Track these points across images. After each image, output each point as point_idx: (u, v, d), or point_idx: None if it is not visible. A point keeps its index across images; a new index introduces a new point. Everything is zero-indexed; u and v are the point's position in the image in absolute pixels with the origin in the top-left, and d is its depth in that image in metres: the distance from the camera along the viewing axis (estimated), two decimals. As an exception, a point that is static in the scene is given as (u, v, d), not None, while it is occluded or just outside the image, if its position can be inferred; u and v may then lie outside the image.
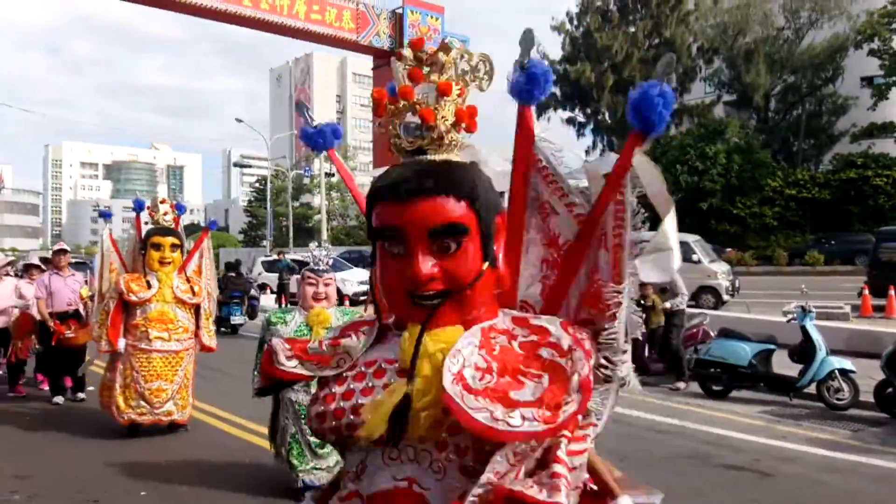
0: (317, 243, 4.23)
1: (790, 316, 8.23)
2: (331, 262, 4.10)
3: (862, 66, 38.58)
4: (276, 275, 20.05)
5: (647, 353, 8.73)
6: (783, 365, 8.02)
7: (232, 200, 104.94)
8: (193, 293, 6.57)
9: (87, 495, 4.92)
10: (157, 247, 6.45)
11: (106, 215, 7.65)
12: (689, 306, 15.84)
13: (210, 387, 8.25)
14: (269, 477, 5.17)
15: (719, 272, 17.19)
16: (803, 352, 7.67)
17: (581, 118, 44.77)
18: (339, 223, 60.57)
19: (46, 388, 8.30)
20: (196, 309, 6.63)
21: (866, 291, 15.20)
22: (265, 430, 6.25)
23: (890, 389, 7.00)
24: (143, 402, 6.25)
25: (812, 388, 7.60)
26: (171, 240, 6.55)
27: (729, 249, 31.58)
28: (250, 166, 69.65)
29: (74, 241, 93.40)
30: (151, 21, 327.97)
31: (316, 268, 4.07)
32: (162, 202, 6.80)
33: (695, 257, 17.19)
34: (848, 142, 37.64)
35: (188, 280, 6.62)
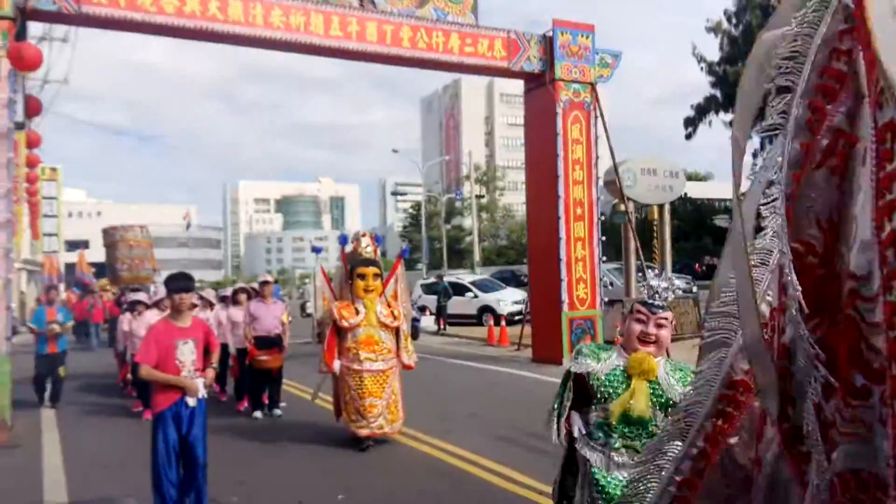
0: (656, 270, 3.68)
1: None
2: (670, 297, 3.32)
3: None
4: (435, 297, 20.76)
5: None
6: None
7: (388, 227, 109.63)
8: (394, 317, 7.13)
9: (293, 497, 5.49)
10: (362, 276, 7.04)
11: (317, 250, 8.66)
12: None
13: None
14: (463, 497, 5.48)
15: None
16: None
17: (744, 120, 42.35)
18: (491, 243, 61.37)
19: (242, 407, 9.26)
20: (396, 331, 7.17)
21: None
22: (447, 447, 6.66)
23: None
24: (360, 417, 6.82)
25: None
26: (373, 269, 7.14)
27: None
28: (405, 193, 72.58)
29: (252, 270, 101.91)
30: (311, 65, 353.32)
31: (650, 302, 3.26)
32: (363, 235, 7.55)
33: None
34: None
35: (389, 305, 7.20)
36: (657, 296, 3.29)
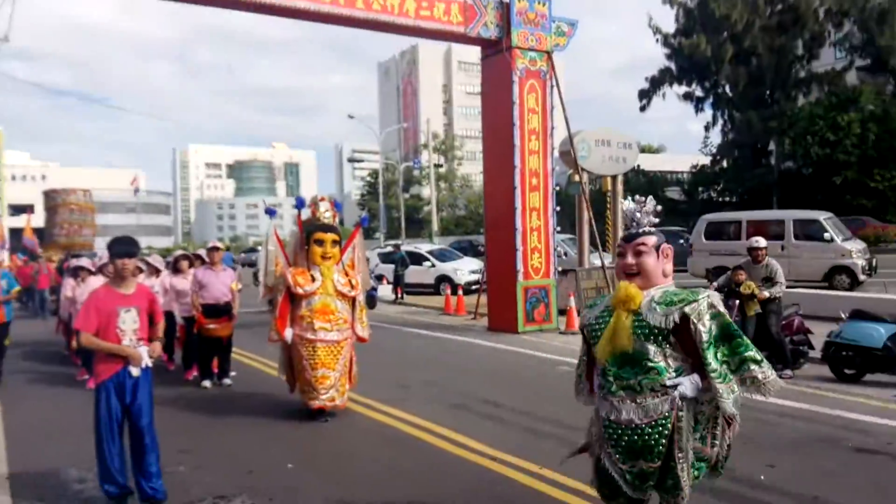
0: (630, 198, 3.25)
1: (933, 295, 7.67)
2: (651, 220, 3.11)
3: None
4: (392, 266, 20.72)
5: None
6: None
7: (345, 195, 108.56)
8: (352, 286, 6.88)
9: (241, 467, 5.43)
10: (320, 242, 6.75)
11: (271, 213, 8.08)
12: (822, 288, 15.11)
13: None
14: (411, 461, 5.49)
15: (854, 251, 16.13)
16: (947, 333, 7.15)
17: (699, 92, 42.82)
18: (449, 213, 61.42)
19: (191, 376, 9.10)
20: (352, 301, 6.93)
21: None
22: (401, 414, 6.66)
23: None
24: (311, 389, 6.60)
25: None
26: (332, 236, 6.85)
27: (866, 225, 29.38)
28: (362, 161, 71.80)
29: (203, 237, 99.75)
30: (267, 27, 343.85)
31: (626, 232, 3.13)
32: (322, 200, 7.16)
33: (826, 235, 16.24)
34: None
35: (346, 274, 6.93)
36: (634, 224, 3.10)
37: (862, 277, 15.81)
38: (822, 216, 17.05)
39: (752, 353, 2.93)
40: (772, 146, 39.72)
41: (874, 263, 16.57)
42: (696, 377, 2.91)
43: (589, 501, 4.45)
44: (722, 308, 2.96)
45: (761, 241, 8.51)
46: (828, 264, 16.06)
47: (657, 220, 3.14)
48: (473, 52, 13.32)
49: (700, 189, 44.13)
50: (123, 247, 4.66)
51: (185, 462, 5.48)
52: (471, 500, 4.62)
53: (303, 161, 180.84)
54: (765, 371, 2.93)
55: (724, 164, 43.17)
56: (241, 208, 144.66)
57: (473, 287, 18.37)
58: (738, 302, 8.10)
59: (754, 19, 38.03)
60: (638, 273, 2.97)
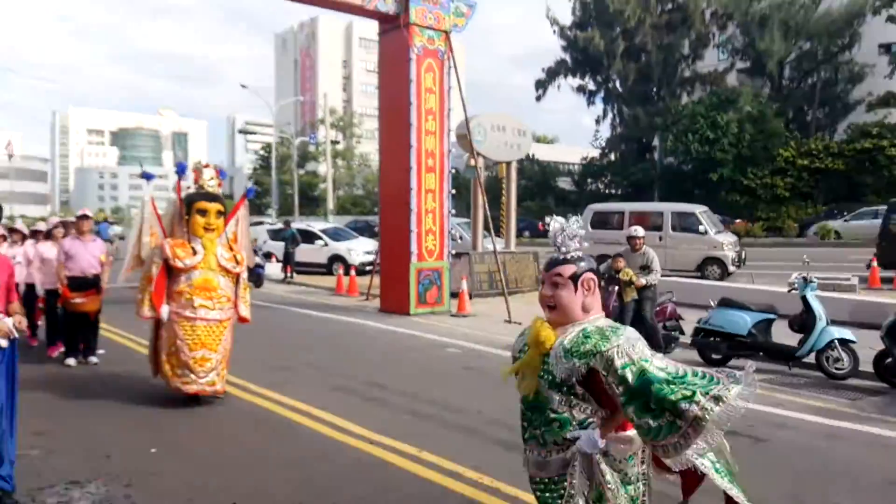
0: (554, 217, 2.74)
1: (791, 286, 8.22)
2: (574, 245, 2.61)
3: (880, 32, 37.98)
4: (282, 244, 20.06)
5: None
6: (783, 335, 8.05)
7: (237, 168, 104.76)
8: (237, 262, 6.44)
9: (100, 451, 5.06)
10: (203, 212, 6.25)
11: (148, 177, 7.31)
12: (695, 278, 15.97)
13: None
14: (281, 441, 5.29)
15: (725, 243, 17.14)
16: (803, 322, 7.68)
17: (592, 86, 44.23)
18: (346, 192, 60.55)
19: (54, 353, 8.47)
20: (236, 278, 6.49)
21: (875, 263, 15.14)
22: (280, 398, 6.45)
23: (889, 360, 7.02)
24: (188, 372, 6.10)
25: (811, 358, 7.63)
26: (216, 206, 6.34)
27: (738, 220, 31.45)
28: (255, 133, 69.43)
29: (81, 207, 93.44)
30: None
31: (552, 255, 2.65)
32: (206, 167, 6.64)
33: (701, 228, 17.16)
34: (863, 111, 37.21)
35: (230, 248, 6.47)
36: (556, 248, 2.62)
37: (731, 268, 16.84)
38: (698, 210, 18.00)
39: (676, 393, 2.30)
40: (656, 141, 41.69)
41: (743, 256, 17.69)
42: (594, 433, 2.44)
43: (465, 483, 4.44)
44: (638, 353, 2.40)
45: (639, 231, 8.84)
46: (701, 255, 17.00)
47: (581, 245, 2.64)
48: (375, 29, 13.02)
49: (589, 180, 45.82)
50: None
51: (39, 446, 5.06)
52: (344, 485, 4.50)
53: (193, 131, 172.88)
54: (701, 403, 2.26)
55: (612, 157, 44.96)
56: (125, 178, 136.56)
57: (367, 268, 18.13)
58: (616, 288, 8.40)
59: (646, 16, 39.66)
60: (552, 307, 2.57)
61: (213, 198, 6.40)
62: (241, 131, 63.84)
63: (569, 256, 2.59)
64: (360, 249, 20.60)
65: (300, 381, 7.38)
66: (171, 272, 6.19)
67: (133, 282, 12.03)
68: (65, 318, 8.15)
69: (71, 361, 8.02)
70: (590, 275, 2.58)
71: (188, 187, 6.58)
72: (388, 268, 13.03)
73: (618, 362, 2.36)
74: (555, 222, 2.67)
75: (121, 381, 7.29)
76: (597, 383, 2.44)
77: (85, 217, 8.24)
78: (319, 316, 12.54)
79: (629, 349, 2.41)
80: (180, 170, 6.67)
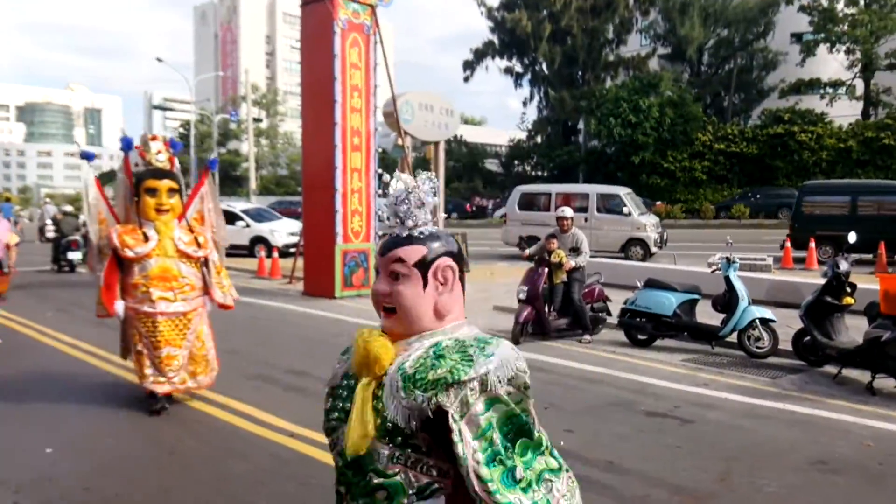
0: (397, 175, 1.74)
1: (714, 267, 8.33)
2: (425, 215, 1.69)
3: (792, 21, 39.56)
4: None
5: (547, 311, 8.40)
6: (707, 315, 8.17)
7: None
8: (198, 245, 5.67)
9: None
10: (153, 192, 5.49)
11: (89, 157, 6.23)
12: (619, 258, 16.24)
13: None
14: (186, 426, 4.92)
15: (648, 225, 17.47)
16: (726, 301, 7.80)
17: (519, 68, 44.39)
18: (270, 171, 59.00)
19: None
20: (204, 262, 5.76)
21: (788, 244, 15.73)
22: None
23: (807, 338, 7.19)
24: (156, 372, 5.46)
25: (734, 337, 7.76)
26: (167, 183, 5.57)
27: (659, 202, 32.31)
28: (173, 109, 66.65)
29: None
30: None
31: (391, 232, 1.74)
32: (153, 139, 5.80)
33: (625, 210, 17.42)
34: (776, 97, 38.75)
35: (191, 230, 5.73)
36: (396, 218, 1.70)
37: (654, 249, 17.20)
38: (622, 192, 18.28)
39: (551, 460, 1.56)
40: (581, 124, 42.33)
41: (665, 237, 18.10)
42: None
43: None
44: (504, 391, 1.51)
45: (567, 212, 8.77)
46: (625, 236, 17.29)
47: (436, 217, 1.81)
48: (298, 2, 12.44)
49: (516, 162, 46.19)
50: None
51: None
52: (261, 484, 4.20)
53: (106, 107, 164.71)
54: (560, 488, 1.54)
55: (539, 139, 45.40)
56: (32, 155, 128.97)
57: (291, 250, 17.59)
58: (547, 270, 8.30)
59: (572, 0, 39.96)
60: (391, 311, 1.69)
61: (162, 174, 5.61)
62: (157, 107, 61.23)
63: (415, 233, 1.67)
64: (284, 230, 19.99)
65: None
66: (122, 264, 5.48)
67: (43, 265, 11.09)
68: None
69: None
70: (446, 261, 1.66)
71: (136, 164, 5.72)
72: (312, 250, 12.60)
73: (483, 396, 1.49)
74: (397, 181, 1.72)
75: (13, 372, 6.70)
76: (450, 430, 1.50)
77: None
78: (240, 300, 12.00)
79: (500, 381, 1.51)
80: (126, 145, 5.74)
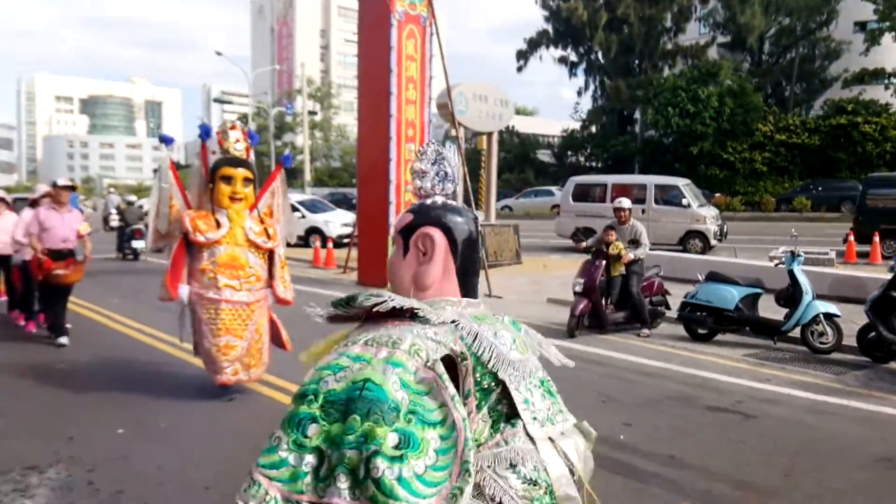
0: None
1: (777, 260, 8.10)
2: (446, 185, 1.56)
3: (856, 10, 37.99)
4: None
5: (604, 304, 8.25)
6: (769, 309, 7.96)
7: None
8: (268, 236, 5.66)
9: (61, 433, 4.79)
10: (228, 180, 5.50)
11: (167, 141, 6.30)
12: (677, 251, 15.94)
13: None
14: (253, 414, 5.07)
15: (708, 217, 17.09)
16: (790, 296, 7.59)
17: (574, 57, 43.84)
18: (323, 164, 59.82)
19: (33, 328, 8.13)
20: (270, 255, 5.74)
21: (851, 238, 15.18)
22: (270, 378, 6.14)
23: (872, 334, 6.96)
24: (212, 360, 5.45)
25: (797, 332, 7.55)
26: (243, 172, 5.58)
27: (717, 194, 31.54)
28: (231, 102, 68.12)
29: (50, 177, 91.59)
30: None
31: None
32: (232, 128, 5.81)
33: (684, 201, 17.08)
34: (839, 87, 37.32)
35: (261, 221, 5.72)
36: (416, 190, 1.57)
37: (714, 242, 16.82)
38: (681, 182, 17.91)
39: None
40: (637, 114, 41.58)
41: (725, 230, 17.67)
42: None
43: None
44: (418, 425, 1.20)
45: (625, 203, 8.63)
46: (684, 228, 16.94)
47: (454, 185, 1.59)
48: (353, -3, 12.56)
49: (569, 153, 45.68)
50: None
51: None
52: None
53: (166, 100, 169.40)
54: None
55: (593, 129, 44.79)
56: (95, 147, 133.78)
57: (345, 240, 17.84)
58: (605, 262, 8.20)
59: (629, -12, 39.23)
60: None
61: (239, 163, 5.61)
62: (216, 100, 62.46)
63: (426, 203, 1.55)
64: (338, 221, 20.29)
65: (276, 355, 7.12)
66: (192, 249, 5.47)
67: (108, 253, 11.57)
68: (43, 291, 7.68)
69: (64, 341, 7.44)
70: (428, 230, 1.51)
71: (213, 152, 5.74)
72: (366, 240, 12.75)
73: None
74: (430, 147, 1.59)
75: (84, 357, 7.00)
76: None
77: (66, 187, 7.74)
78: (295, 289, 12.23)
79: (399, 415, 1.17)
80: (204, 132, 5.78)
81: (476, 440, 1.39)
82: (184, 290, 5.41)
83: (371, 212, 12.50)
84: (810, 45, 40.21)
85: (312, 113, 53.11)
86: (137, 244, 16.70)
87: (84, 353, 7.17)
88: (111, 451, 4.50)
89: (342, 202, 28.16)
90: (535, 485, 1.45)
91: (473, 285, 1.60)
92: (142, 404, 5.49)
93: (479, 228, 1.63)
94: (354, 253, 13.50)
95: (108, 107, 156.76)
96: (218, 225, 5.45)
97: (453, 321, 1.40)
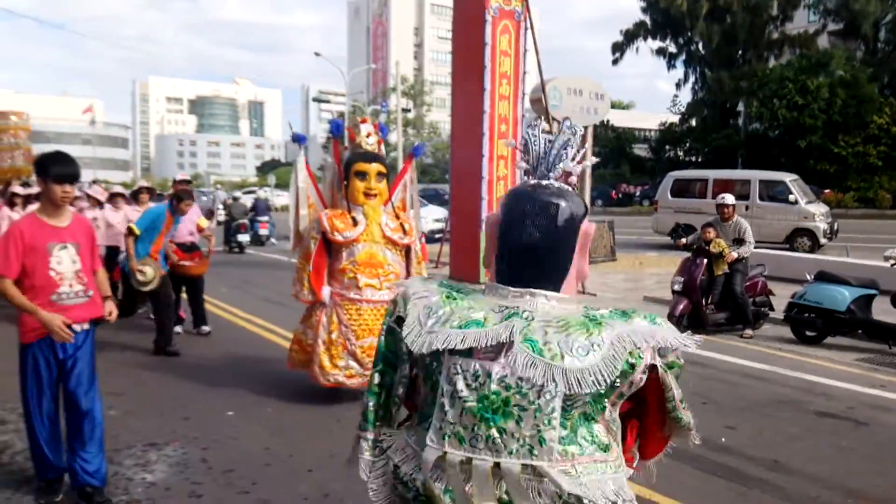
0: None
1: (893, 260, 7.57)
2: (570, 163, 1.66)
3: None
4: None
5: (704, 304, 7.93)
6: (885, 312, 7.47)
7: (311, 136, 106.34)
8: (404, 231, 5.46)
9: (178, 413, 5.12)
10: (362, 175, 5.31)
11: (300, 139, 6.15)
12: (784, 249, 15.19)
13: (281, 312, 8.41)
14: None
15: (817, 214, 16.20)
16: (908, 298, 7.10)
17: (672, 48, 42.43)
18: (416, 160, 60.49)
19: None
20: (406, 251, 5.53)
21: (981, 236, 14.01)
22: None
23: None
24: (352, 362, 5.22)
25: (917, 337, 7.06)
26: (376, 167, 5.37)
27: (827, 190, 29.78)
28: (328, 101, 69.98)
29: (162, 174, 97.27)
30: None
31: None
32: (363, 121, 5.68)
33: (791, 198, 16.28)
34: (967, 74, 34.40)
35: (397, 216, 5.53)
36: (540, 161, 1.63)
37: (823, 241, 15.93)
38: (787, 178, 17.06)
39: None
40: (740, 107, 39.78)
41: (835, 227, 16.70)
42: None
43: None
44: None
45: (729, 199, 8.32)
46: (791, 226, 16.13)
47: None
48: (446, -8, 12.66)
49: (667, 147, 44.25)
50: (66, 168, 3.56)
51: (117, 406, 5.12)
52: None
53: (268, 100, 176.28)
54: None
55: (693, 122, 43.21)
56: (203, 145, 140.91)
57: (437, 236, 18.04)
58: (706, 261, 7.92)
59: (732, -24, 37.57)
60: None
61: (372, 157, 5.42)
62: (314, 100, 64.31)
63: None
64: (431, 217, 20.51)
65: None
66: (330, 249, 5.33)
67: (216, 246, 12.15)
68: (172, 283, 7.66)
69: (179, 329, 7.70)
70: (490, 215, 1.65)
71: (345, 148, 5.64)
72: (458, 236, 12.85)
73: None
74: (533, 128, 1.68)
75: (199, 344, 7.42)
76: None
77: (184, 182, 8.09)
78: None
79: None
80: (335, 129, 5.66)
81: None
82: (326, 292, 5.30)
83: (463, 208, 12.59)
84: (932, 31, 37.21)
85: (406, 110, 53.94)
86: (242, 238, 17.54)
87: (197, 340, 7.61)
88: (223, 432, 4.77)
89: (434, 198, 28.41)
90: (405, 486, 1.53)
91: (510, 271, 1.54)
92: (250, 390, 5.76)
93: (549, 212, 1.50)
94: (447, 248, 13.63)
95: (214, 107, 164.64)
96: (354, 223, 5.29)
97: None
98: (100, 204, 9.02)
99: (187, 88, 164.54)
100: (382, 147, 5.68)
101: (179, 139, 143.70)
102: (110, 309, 3.83)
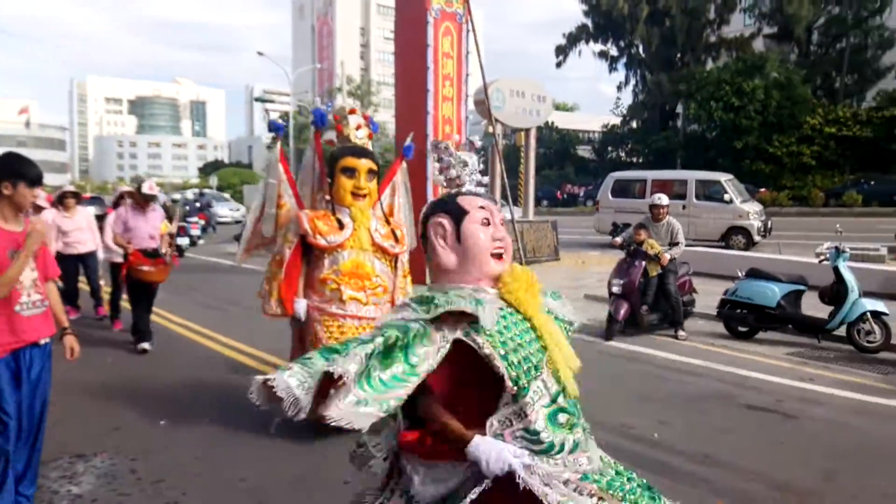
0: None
1: (822, 257, 7.88)
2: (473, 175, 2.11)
3: (912, -4, 36.63)
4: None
5: (641, 306, 7.94)
6: (813, 307, 7.76)
7: (255, 137, 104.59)
8: (396, 239, 4.82)
9: (108, 424, 4.97)
10: (351, 172, 4.61)
11: (278, 128, 5.41)
12: (719, 247, 15.64)
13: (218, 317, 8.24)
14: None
15: (751, 212, 16.73)
16: (834, 293, 7.38)
17: (614, 51, 43.27)
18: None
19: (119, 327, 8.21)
20: (394, 260, 4.88)
21: (904, 233, 14.70)
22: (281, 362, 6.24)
23: (925, 333, 6.74)
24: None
25: (842, 331, 7.35)
26: (367, 163, 4.67)
27: (763, 189, 30.80)
28: (273, 101, 68.97)
29: (101, 176, 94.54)
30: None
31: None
32: (352, 112, 4.95)
33: (726, 197, 16.77)
34: (893, 77, 36.07)
35: (387, 221, 4.90)
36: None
37: (757, 238, 16.46)
38: (723, 178, 17.57)
39: None
40: (679, 108, 40.83)
41: (769, 225, 17.28)
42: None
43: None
44: None
45: (663, 199, 8.45)
46: (726, 224, 16.62)
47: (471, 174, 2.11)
48: (391, -6, 12.61)
49: (609, 148, 45.14)
50: (37, 169, 3.36)
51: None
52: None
53: (210, 100, 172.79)
54: None
55: (634, 124, 44.15)
56: (143, 147, 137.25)
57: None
58: (643, 263, 7.96)
59: (671, -21, 38.53)
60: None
61: (362, 153, 4.72)
62: (258, 100, 63.36)
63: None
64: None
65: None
66: (310, 254, 4.65)
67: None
68: (130, 289, 7.39)
69: (146, 346, 7.19)
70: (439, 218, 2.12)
71: (328, 141, 5.00)
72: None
73: None
74: (441, 144, 2.14)
75: (133, 352, 7.19)
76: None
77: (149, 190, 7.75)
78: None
79: None
80: (319, 119, 4.91)
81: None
82: (300, 305, 4.59)
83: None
84: (862, 35, 38.83)
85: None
86: (181, 241, 17.13)
87: (129, 347, 7.37)
88: (154, 441, 4.63)
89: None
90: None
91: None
92: (185, 398, 5.62)
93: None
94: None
95: (154, 107, 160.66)
96: (340, 226, 4.58)
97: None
98: (40, 210, 8.69)
99: (127, 88, 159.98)
100: (372, 140, 5.04)
101: (119, 140, 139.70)
102: (71, 345, 3.59)
